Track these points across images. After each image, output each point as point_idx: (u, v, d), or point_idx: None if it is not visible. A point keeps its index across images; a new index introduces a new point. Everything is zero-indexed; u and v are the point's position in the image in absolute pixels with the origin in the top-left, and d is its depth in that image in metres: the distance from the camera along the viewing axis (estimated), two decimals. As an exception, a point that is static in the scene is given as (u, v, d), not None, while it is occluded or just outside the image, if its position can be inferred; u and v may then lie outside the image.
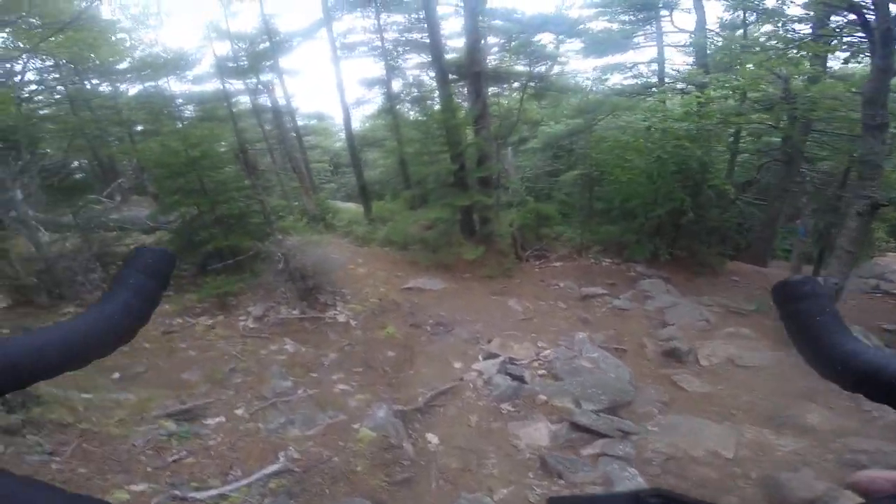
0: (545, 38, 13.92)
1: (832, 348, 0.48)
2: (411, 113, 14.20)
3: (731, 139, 12.94)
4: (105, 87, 16.73)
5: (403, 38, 14.11)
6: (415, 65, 14.73)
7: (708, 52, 13.48)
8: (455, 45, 13.10)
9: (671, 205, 10.44)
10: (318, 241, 7.52)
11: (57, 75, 15.08)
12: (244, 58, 12.40)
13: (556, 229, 13.27)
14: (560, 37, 12.40)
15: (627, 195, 11.55)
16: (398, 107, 14.45)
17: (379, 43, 13.78)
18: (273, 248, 5.63)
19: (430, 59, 12.72)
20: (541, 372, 4.85)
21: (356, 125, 20.26)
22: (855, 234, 7.36)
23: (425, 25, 12.55)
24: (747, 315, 8.21)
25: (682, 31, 14.07)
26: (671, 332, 7.20)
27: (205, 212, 6.85)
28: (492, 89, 13.80)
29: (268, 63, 12.60)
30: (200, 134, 6.34)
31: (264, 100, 14.71)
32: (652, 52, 15.62)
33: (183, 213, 7.10)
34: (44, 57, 13.43)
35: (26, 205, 7.20)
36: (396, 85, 14.66)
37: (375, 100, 15.69)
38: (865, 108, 7.06)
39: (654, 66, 15.52)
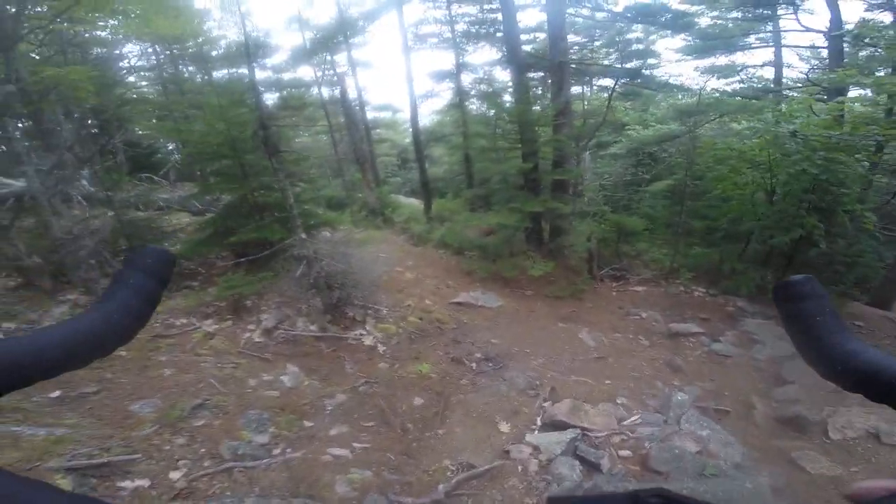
0: (640, 34, 12.16)
1: (832, 348, 0.48)
2: (481, 109, 12.96)
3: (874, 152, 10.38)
4: (197, 74, 17.17)
5: (474, 31, 12.93)
6: (486, 60, 13.58)
7: (845, 54, 11.00)
8: (532, 38, 11.72)
9: (799, 231, 8.33)
10: (366, 239, 6.54)
11: (154, 60, 15.59)
12: (316, 40, 11.80)
13: (637, 247, 11.45)
14: (658, 31, 10.53)
15: (739, 214, 9.55)
16: (467, 102, 13.29)
17: (449, 34, 12.76)
18: (296, 248, 4.65)
19: (503, 52, 11.45)
20: (624, 452, 3.41)
21: (425, 120, 19.43)
22: None
23: (498, 17, 11.32)
24: None
25: (809, 30, 11.59)
26: (791, 393, 5.38)
27: (244, 197, 6.10)
28: (574, 88, 12.26)
29: (338, 41, 11.91)
30: (240, 114, 5.53)
31: (334, 90, 14.17)
32: (764, 55, 13.24)
33: (225, 198, 6.43)
34: (142, 43, 13.86)
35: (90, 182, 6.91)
36: (467, 79, 13.52)
37: (445, 94, 14.68)
38: None
39: (767, 70, 13.13)
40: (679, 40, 12.01)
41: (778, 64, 12.96)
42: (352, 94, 14.48)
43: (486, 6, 11.87)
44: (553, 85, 8.71)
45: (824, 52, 14.04)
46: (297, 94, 15.97)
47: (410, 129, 13.41)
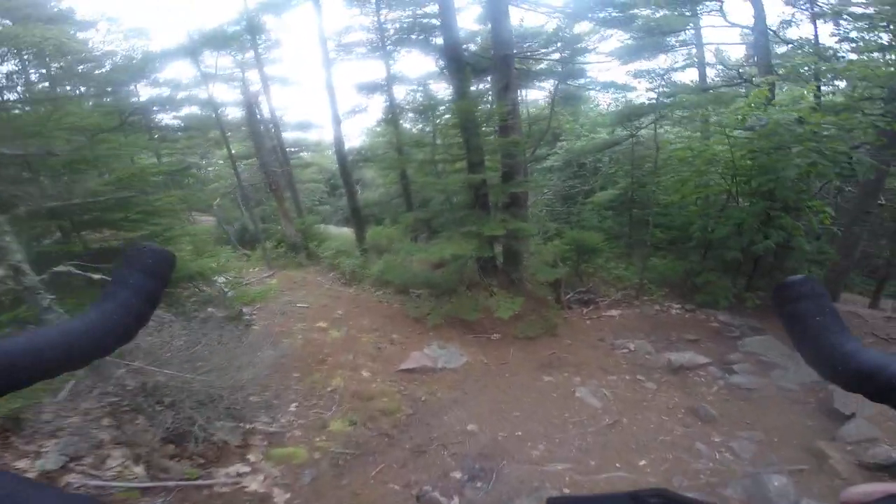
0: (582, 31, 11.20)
1: (832, 348, 0.47)
2: (418, 123, 11.36)
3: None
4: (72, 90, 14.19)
5: (407, 38, 11.43)
6: (422, 71, 12.11)
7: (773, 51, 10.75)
8: (473, 36, 10.40)
9: (781, 234, 7.42)
10: (266, 291, 4.49)
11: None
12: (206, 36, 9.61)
13: (596, 264, 10.25)
14: (599, 28, 9.58)
15: (703, 221, 8.60)
16: (401, 116, 11.67)
17: (379, 42, 11.16)
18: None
19: (440, 55, 10.00)
20: None
21: (355, 138, 17.53)
22: None
23: (434, 21, 9.93)
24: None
25: (735, 25, 11.19)
26: (862, 430, 4.04)
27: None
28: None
29: (239, 40, 9.84)
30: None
31: (243, 110, 11.96)
32: (684, 57, 12.93)
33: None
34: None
35: None
36: (400, 91, 11.96)
37: (375, 108, 13.01)
38: None
39: (691, 72, 12.81)
40: (614, 41, 11.16)
41: (701, 64, 12.59)
42: (267, 114, 12.40)
43: (419, 10, 10.38)
44: (497, 83, 7.27)
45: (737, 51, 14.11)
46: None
47: (334, 149, 11.48)
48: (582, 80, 9.46)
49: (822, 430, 4.12)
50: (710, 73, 13.67)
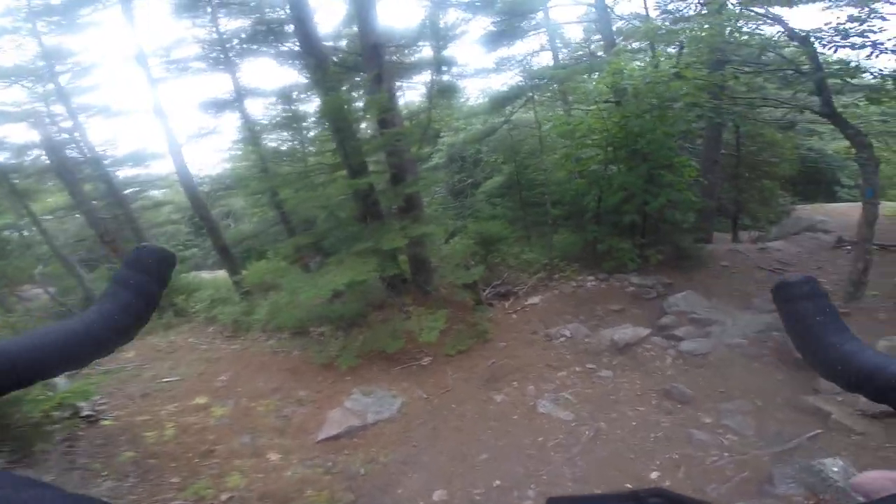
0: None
1: (832, 348, 0.46)
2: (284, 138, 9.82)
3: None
4: None
5: (255, 47, 9.80)
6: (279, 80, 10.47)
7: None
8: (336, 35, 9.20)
9: (667, 192, 7.54)
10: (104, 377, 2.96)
11: None
12: None
13: (503, 253, 9.79)
14: (469, 14, 9.03)
15: (589, 190, 8.53)
16: (263, 131, 10.03)
17: (221, 55, 9.43)
18: None
19: (298, 55, 8.62)
20: None
21: (213, 165, 15.15)
22: None
23: (284, 27, 8.54)
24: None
25: (580, 2, 11.53)
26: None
27: None
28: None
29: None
30: None
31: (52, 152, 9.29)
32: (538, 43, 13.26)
33: None
34: None
35: None
36: (258, 106, 10.29)
37: (228, 128, 11.15)
38: None
39: (545, 56, 13.17)
40: (479, 31, 10.75)
41: (554, 46, 12.88)
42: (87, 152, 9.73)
43: (269, 15, 8.82)
44: (369, 70, 6.22)
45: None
46: None
47: (180, 183, 9.44)
48: (454, 69, 8.85)
49: (798, 384, 3.86)
50: (562, 56, 14.17)
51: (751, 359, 4.33)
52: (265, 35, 8.96)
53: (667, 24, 9.67)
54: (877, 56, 5.40)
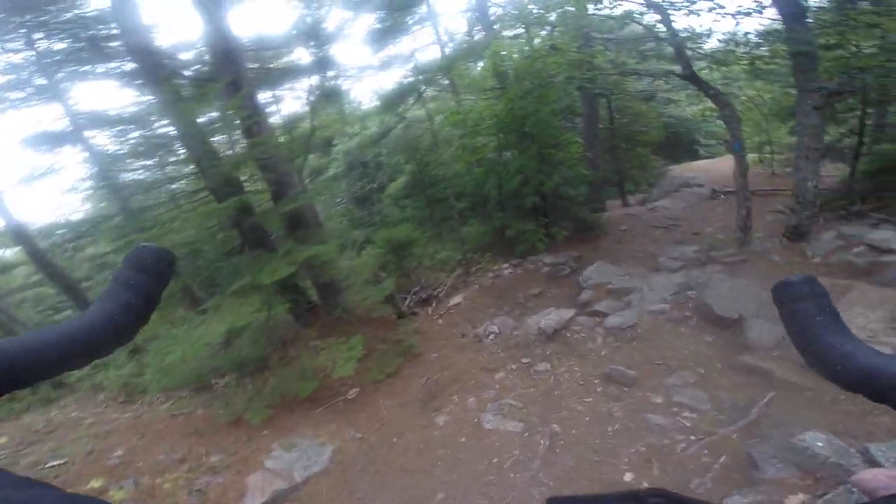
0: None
1: (832, 348, 0.46)
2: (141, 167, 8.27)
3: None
4: None
5: (87, 69, 8.11)
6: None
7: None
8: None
9: (559, 170, 7.58)
10: None
11: None
12: None
13: (417, 255, 9.32)
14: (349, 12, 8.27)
15: (487, 178, 8.36)
16: (115, 162, 8.42)
17: (45, 80, 7.72)
18: None
19: (134, 72, 7.24)
20: None
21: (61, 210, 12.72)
22: (815, 129, 5.37)
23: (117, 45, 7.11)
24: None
25: None
26: (764, 332, 3.90)
27: None
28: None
29: None
30: None
31: None
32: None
33: None
34: None
35: None
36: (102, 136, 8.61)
37: (72, 164, 9.30)
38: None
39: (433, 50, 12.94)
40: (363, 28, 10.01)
41: (440, 41, 12.61)
42: None
43: (100, 32, 7.22)
44: (222, 74, 5.26)
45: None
46: None
47: (11, 235, 7.60)
48: (338, 72, 8.08)
49: (727, 343, 3.85)
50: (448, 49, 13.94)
51: (676, 323, 4.32)
52: (95, 53, 7.43)
53: (538, 9, 9.80)
54: (721, 19, 5.80)
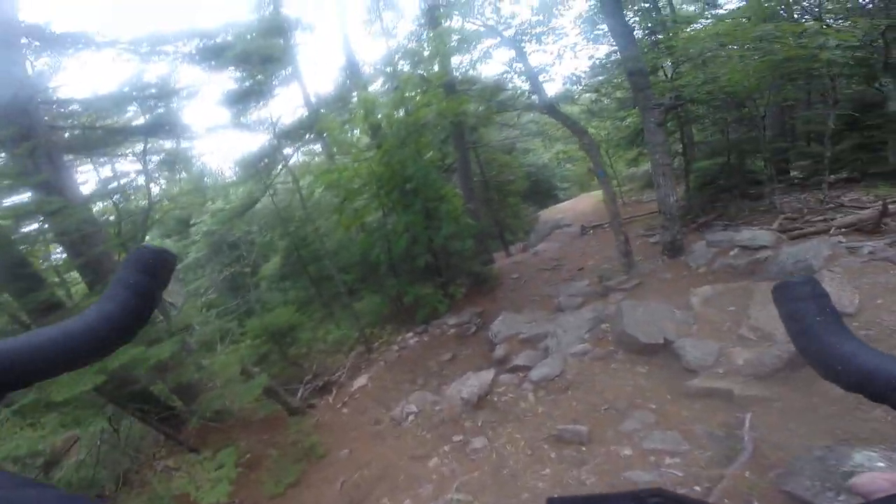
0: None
1: (832, 348, 0.45)
2: None
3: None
4: None
5: None
6: None
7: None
8: None
9: (447, 224, 7.30)
10: None
11: None
12: None
13: (305, 339, 8.08)
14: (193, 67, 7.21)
15: (375, 244, 7.73)
16: None
17: None
18: None
19: None
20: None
21: None
22: (663, 146, 5.97)
23: None
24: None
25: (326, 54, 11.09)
26: (697, 352, 3.70)
27: None
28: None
29: None
30: None
31: None
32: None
33: None
34: None
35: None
36: None
37: None
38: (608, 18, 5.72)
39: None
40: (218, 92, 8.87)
41: (308, 102, 12.07)
42: None
43: None
44: (17, 148, 3.92)
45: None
46: None
47: None
48: (185, 135, 6.83)
49: (666, 372, 3.61)
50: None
51: (604, 361, 4.04)
52: None
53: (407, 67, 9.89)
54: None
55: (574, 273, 8.02)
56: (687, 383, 3.26)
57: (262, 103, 8.53)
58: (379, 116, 7.33)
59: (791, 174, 9.32)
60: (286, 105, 12.04)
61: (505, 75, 8.76)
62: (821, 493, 1.92)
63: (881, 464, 1.95)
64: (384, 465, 3.91)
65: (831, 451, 2.12)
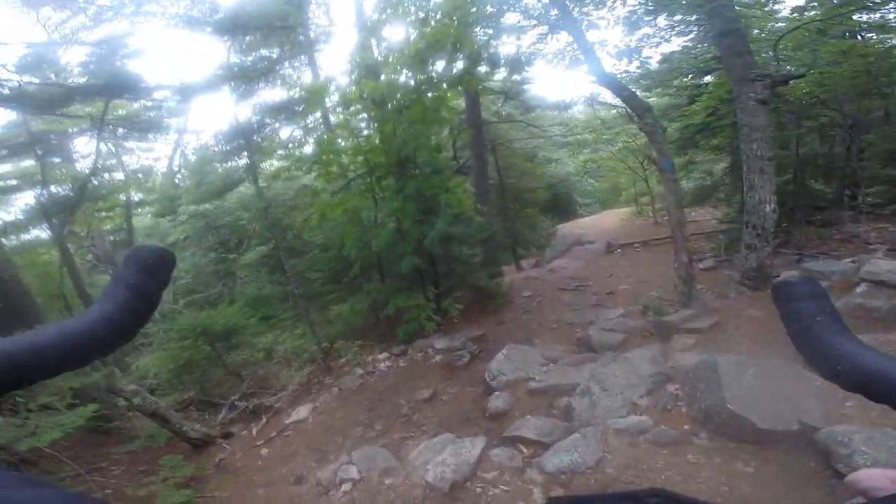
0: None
1: (833, 349, 0.43)
2: None
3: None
4: None
5: None
6: None
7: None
8: None
9: (446, 216, 5.50)
10: None
11: None
12: None
13: (253, 346, 6.32)
14: None
15: (368, 230, 5.96)
16: None
17: None
18: None
19: None
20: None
21: None
22: (765, 132, 4.15)
23: None
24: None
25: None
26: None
27: None
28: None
29: None
30: None
31: None
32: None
33: None
34: None
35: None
36: None
37: None
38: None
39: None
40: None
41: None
42: None
43: None
44: None
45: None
46: None
47: None
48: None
49: (796, 474, 1.77)
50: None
51: (677, 448, 2.19)
52: None
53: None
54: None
55: (603, 298, 6.18)
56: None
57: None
58: (382, 78, 5.63)
59: (858, 199, 7.42)
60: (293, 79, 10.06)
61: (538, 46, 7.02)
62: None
63: None
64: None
65: None
